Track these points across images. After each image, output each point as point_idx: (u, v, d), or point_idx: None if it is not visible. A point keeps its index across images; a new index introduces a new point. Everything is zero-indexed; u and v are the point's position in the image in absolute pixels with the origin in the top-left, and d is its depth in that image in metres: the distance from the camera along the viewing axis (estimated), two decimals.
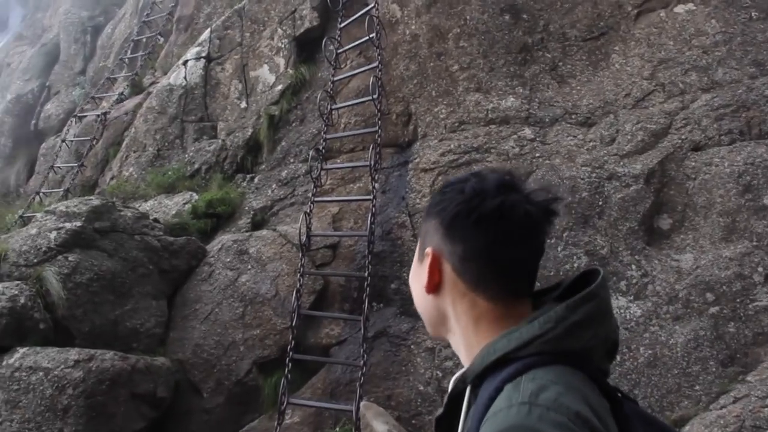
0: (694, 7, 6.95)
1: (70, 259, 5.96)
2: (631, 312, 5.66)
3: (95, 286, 6.00)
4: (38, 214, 6.41)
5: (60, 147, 11.24)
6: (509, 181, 1.36)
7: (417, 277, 1.46)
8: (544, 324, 1.25)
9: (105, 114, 10.98)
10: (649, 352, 5.41)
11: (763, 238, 5.54)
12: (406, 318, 6.11)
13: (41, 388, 5.13)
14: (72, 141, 11.25)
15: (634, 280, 5.77)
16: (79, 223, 6.18)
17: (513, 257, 1.33)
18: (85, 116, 11.68)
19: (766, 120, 6.04)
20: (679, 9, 7.01)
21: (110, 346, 5.76)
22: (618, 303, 5.70)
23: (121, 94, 11.67)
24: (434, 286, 1.40)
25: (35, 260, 5.90)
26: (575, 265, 5.87)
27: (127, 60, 13.03)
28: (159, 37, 12.90)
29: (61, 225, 6.11)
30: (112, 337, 5.96)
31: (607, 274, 5.70)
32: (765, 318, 5.24)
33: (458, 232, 1.34)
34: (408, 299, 6.35)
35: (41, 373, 5.16)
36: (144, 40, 13.30)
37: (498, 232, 1.31)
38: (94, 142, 10.61)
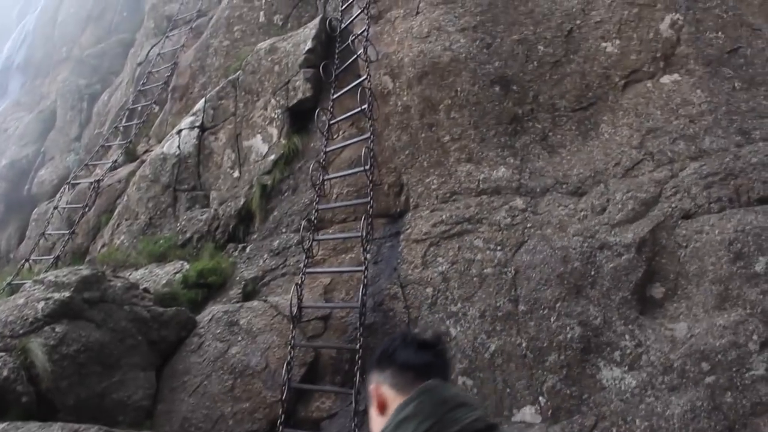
0: (680, 78, 7.05)
1: (57, 330, 5.87)
2: (626, 383, 5.59)
3: (82, 357, 5.90)
4: (27, 283, 6.34)
5: (52, 214, 11.24)
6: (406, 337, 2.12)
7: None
8: (387, 423, 1.89)
9: (98, 181, 11.03)
10: (646, 423, 5.31)
11: (757, 306, 5.49)
12: None
13: None
14: (64, 208, 11.26)
15: (628, 351, 5.71)
16: (67, 294, 6.11)
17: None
18: (78, 183, 11.73)
19: (754, 187, 6.06)
20: (665, 79, 7.11)
21: (95, 420, 5.60)
22: (612, 374, 5.63)
23: (115, 161, 11.75)
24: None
25: (21, 331, 5.81)
26: (569, 336, 5.82)
27: (121, 128, 13.18)
28: (154, 105, 13.07)
29: (49, 295, 6.04)
30: (97, 410, 5.82)
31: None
32: (762, 387, 5.16)
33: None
34: None
35: None
36: (139, 108, 13.47)
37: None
38: (86, 210, 10.63)
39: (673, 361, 5.50)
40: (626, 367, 5.66)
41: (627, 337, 5.77)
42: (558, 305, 5.99)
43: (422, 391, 1.87)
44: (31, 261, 10.34)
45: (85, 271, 6.44)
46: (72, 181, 11.94)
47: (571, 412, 5.58)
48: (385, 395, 1.99)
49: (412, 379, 1.95)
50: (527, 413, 5.71)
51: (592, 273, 6.07)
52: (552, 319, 5.94)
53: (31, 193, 16.30)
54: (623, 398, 5.51)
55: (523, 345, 5.92)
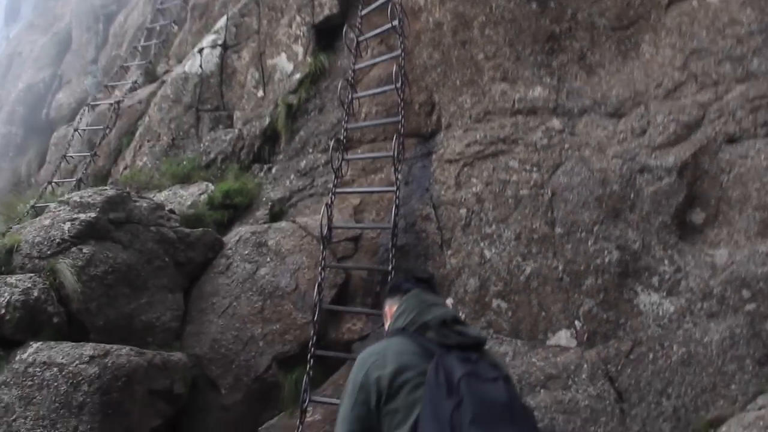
0: None
1: (84, 251, 5.77)
2: (664, 308, 5.47)
3: (110, 278, 5.82)
4: (51, 205, 6.23)
5: (72, 136, 11.07)
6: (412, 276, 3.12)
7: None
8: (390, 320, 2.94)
9: (118, 103, 10.82)
10: (683, 349, 5.22)
11: None
12: None
13: (55, 384, 4.93)
14: (84, 130, 11.09)
15: (667, 276, 5.57)
16: (93, 214, 5.99)
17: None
18: (98, 105, 11.52)
19: None
20: None
21: (125, 341, 5.58)
22: (650, 299, 5.51)
23: (135, 82, 11.51)
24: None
25: (49, 252, 5.71)
26: (606, 259, 5.67)
27: (140, 48, 12.87)
28: (173, 25, 12.72)
29: (75, 216, 5.93)
30: (126, 332, 5.78)
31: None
32: None
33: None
34: None
35: (55, 369, 4.97)
36: (158, 28, 13.13)
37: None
38: (107, 132, 10.46)
39: (712, 287, 5.37)
40: (664, 293, 5.53)
41: (666, 262, 5.62)
42: (596, 228, 5.82)
43: (410, 295, 2.86)
44: (53, 184, 10.23)
45: (110, 191, 6.31)
46: (91, 103, 11.72)
47: (607, 336, 5.49)
48: (393, 310, 2.91)
49: None
50: (563, 337, 5.63)
51: (632, 196, 5.88)
52: (589, 243, 5.79)
53: (50, 117, 16.15)
54: (661, 323, 5.40)
55: (560, 268, 5.78)
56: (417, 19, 7.66)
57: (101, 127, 10.68)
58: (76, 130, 11.08)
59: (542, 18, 7.09)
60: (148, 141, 9.42)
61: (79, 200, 6.11)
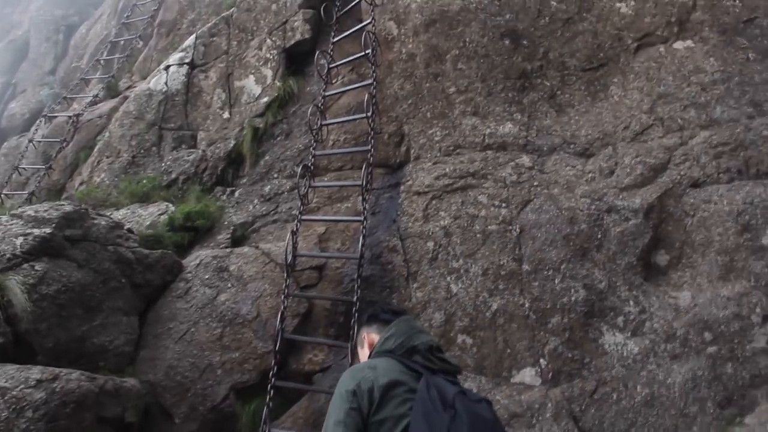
0: (693, 45, 6.86)
1: (36, 268, 5.48)
2: (629, 349, 5.50)
3: (63, 298, 5.54)
4: (3, 218, 5.93)
5: (26, 147, 10.68)
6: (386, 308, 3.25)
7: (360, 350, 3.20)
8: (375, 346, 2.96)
9: (77, 116, 10.50)
10: (647, 390, 5.25)
11: (762, 279, 5.43)
12: None
13: None
14: (40, 142, 10.72)
15: (632, 317, 5.60)
16: (48, 230, 5.72)
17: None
18: (56, 117, 11.18)
19: (764, 160, 5.95)
20: (678, 45, 6.92)
21: (75, 364, 5.31)
22: (615, 339, 5.53)
23: (95, 96, 11.21)
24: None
25: None
26: (573, 298, 5.67)
27: (102, 61, 12.58)
28: (138, 40, 12.49)
29: (29, 231, 5.64)
30: (77, 355, 5.50)
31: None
32: (762, 360, 5.14)
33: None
34: None
35: None
36: (122, 42, 12.86)
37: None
38: (64, 145, 10.12)
39: (676, 329, 5.44)
40: (629, 333, 5.57)
41: (631, 302, 5.66)
42: (563, 267, 5.83)
43: (400, 320, 3.00)
44: (2, 195, 9.84)
45: (67, 206, 6.04)
46: (49, 114, 11.37)
47: (572, 375, 5.47)
48: (373, 337, 3.05)
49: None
50: (527, 375, 5.58)
51: (599, 236, 5.92)
52: (556, 281, 5.78)
53: (1, 126, 15.64)
54: (625, 364, 5.43)
55: (526, 305, 5.75)
56: (390, 49, 7.65)
57: (58, 139, 10.34)
58: (30, 141, 10.70)
59: (515, 55, 7.16)
60: (107, 157, 9.15)
61: (33, 214, 5.83)
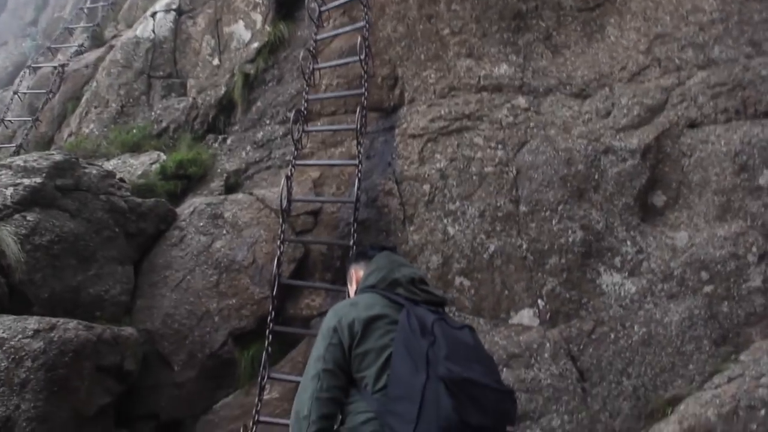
0: None
1: (28, 218, 5.38)
2: (626, 289, 5.51)
3: (56, 248, 5.46)
4: None
5: (11, 100, 10.47)
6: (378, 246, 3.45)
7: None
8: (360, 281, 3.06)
9: (63, 66, 10.27)
10: (644, 330, 5.28)
11: (758, 219, 5.44)
12: None
13: None
14: (25, 93, 10.51)
15: (629, 257, 5.60)
16: (39, 180, 5.61)
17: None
18: (40, 68, 10.94)
19: (761, 100, 5.89)
20: None
21: (71, 315, 5.26)
22: (612, 279, 5.54)
23: (81, 45, 10.96)
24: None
25: None
26: (570, 239, 5.65)
27: (86, 10, 12.27)
28: None
29: (18, 181, 5.53)
30: (73, 305, 5.46)
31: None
32: (757, 298, 5.19)
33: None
34: None
35: None
36: None
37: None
38: (50, 96, 9.93)
39: (673, 269, 5.45)
40: (626, 273, 5.57)
41: (628, 243, 5.65)
42: (560, 208, 5.80)
43: (381, 255, 3.06)
44: None
45: (57, 156, 5.92)
46: (33, 65, 11.13)
47: (570, 316, 5.49)
48: (359, 273, 3.11)
49: None
50: (525, 316, 5.59)
51: (596, 177, 5.87)
52: (554, 222, 5.75)
53: None
54: (622, 304, 5.45)
55: (524, 247, 5.73)
56: None
57: (44, 91, 10.13)
58: (15, 93, 10.49)
59: None
60: (96, 107, 8.98)
61: (23, 164, 5.71)
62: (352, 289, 3.23)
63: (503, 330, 5.51)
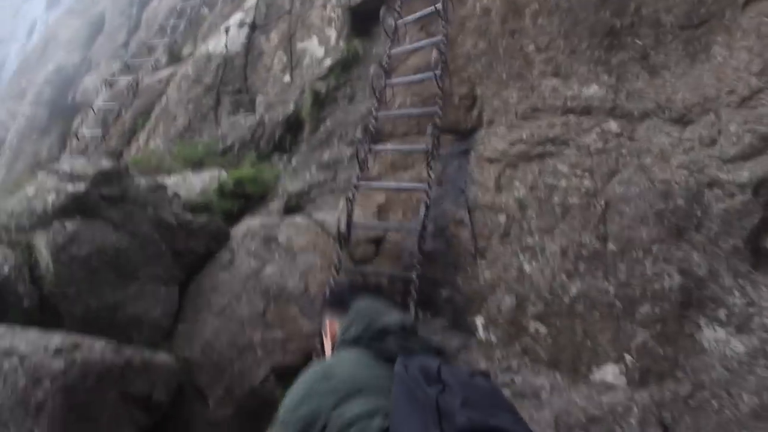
0: None
1: (68, 227, 5.06)
2: (732, 347, 4.65)
3: (95, 261, 5.11)
4: (40, 173, 5.56)
5: (86, 113, 10.49)
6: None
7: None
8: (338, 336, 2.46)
9: (136, 81, 10.21)
10: (755, 399, 4.41)
11: None
12: (457, 333, 5.17)
13: (14, 377, 4.22)
14: (100, 108, 10.50)
15: (737, 310, 4.75)
16: (83, 187, 5.29)
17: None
18: (116, 82, 10.95)
19: None
20: None
21: (105, 334, 4.86)
22: (716, 335, 4.69)
23: (156, 60, 10.93)
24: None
25: (28, 225, 5.03)
26: (666, 285, 4.86)
27: (168, 28, 12.31)
28: (204, 6, 12.16)
29: (62, 187, 5.23)
30: (108, 324, 5.07)
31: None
32: None
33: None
34: (460, 310, 5.41)
35: (16, 359, 4.24)
36: (188, 9, 12.57)
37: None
38: (122, 110, 9.85)
39: None
40: (733, 329, 4.72)
41: (736, 293, 4.80)
42: (655, 248, 5.02)
43: (359, 300, 2.47)
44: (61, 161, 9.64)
45: (105, 162, 5.62)
46: (110, 79, 11.16)
47: (663, 376, 4.68)
48: (336, 325, 2.49)
49: None
50: (609, 372, 4.82)
51: (698, 214, 5.07)
52: (647, 264, 4.98)
53: (76, 100, 15.70)
54: (728, 365, 4.59)
55: (611, 291, 4.98)
56: (462, 4, 6.98)
57: (117, 105, 10.07)
58: (90, 107, 10.49)
59: (602, 10, 6.37)
60: (164, 122, 8.81)
61: (68, 170, 5.40)
62: (327, 344, 2.60)
63: (583, 388, 4.77)
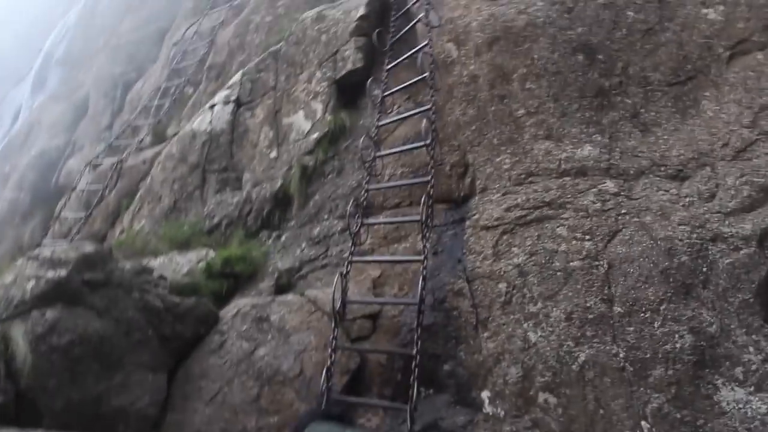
0: None
1: (47, 315, 4.80)
2: (753, 407, 4.41)
3: (77, 351, 4.83)
4: (19, 260, 5.33)
5: (69, 196, 10.33)
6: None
7: None
8: None
9: (120, 162, 10.10)
10: None
11: None
12: (462, 409, 4.91)
13: None
14: (83, 190, 10.34)
15: (754, 366, 4.53)
16: (64, 273, 5.05)
17: None
18: (100, 164, 10.83)
19: None
20: None
21: (89, 429, 4.56)
22: (734, 395, 4.46)
23: (140, 141, 10.85)
24: None
25: (4, 315, 4.77)
26: (677, 345, 4.65)
27: (152, 108, 12.30)
28: (188, 85, 12.18)
29: (42, 273, 5.00)
30: (92, 418, 4.76)
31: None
32: None
33: None
34: (464, 385, 5.16)
35: None
36: (172, 89, 12.59)
37: None
38: (105, 192, 9.69)
39: None
40: (752, 388, 4.48)
41: (751, 349, 4.59)
42: (663, 307, 4.83)
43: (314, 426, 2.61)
44: (43, 246, 9.41)
45: (87, 247, 5.39)
46: (93, 162, 11.04)
47: None
48: None
49: None
50: None
51: (704, 269, 4.91)
52: (656, 324, 4.78)
53: (59, 183, 15.58)
54: (750, 427, 4.33)
55: (621, 355, 4.75)
56: (449, 72, 6.95)
57: (100, 187, 9.92)
58: (73, 189, 10.34)
59: (590, 71, 6.38)
60: (149, 203, 8.64)
61: (49, 256, 5.18)
62: None
63: None
